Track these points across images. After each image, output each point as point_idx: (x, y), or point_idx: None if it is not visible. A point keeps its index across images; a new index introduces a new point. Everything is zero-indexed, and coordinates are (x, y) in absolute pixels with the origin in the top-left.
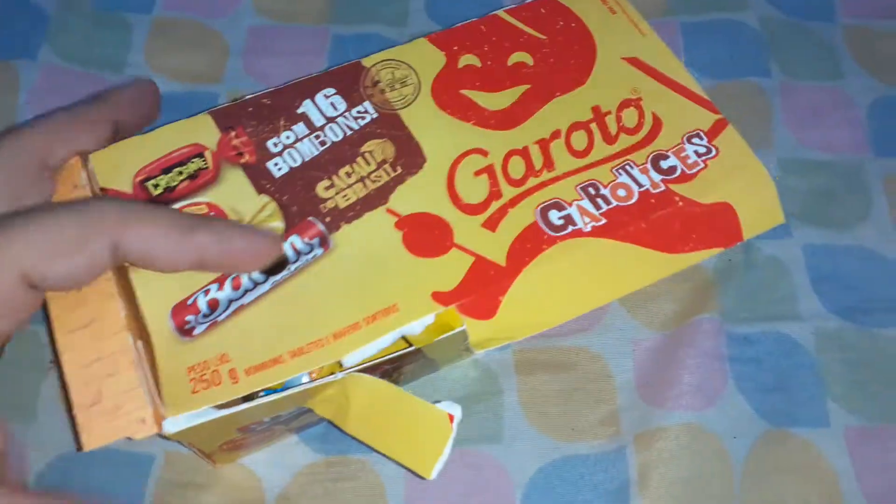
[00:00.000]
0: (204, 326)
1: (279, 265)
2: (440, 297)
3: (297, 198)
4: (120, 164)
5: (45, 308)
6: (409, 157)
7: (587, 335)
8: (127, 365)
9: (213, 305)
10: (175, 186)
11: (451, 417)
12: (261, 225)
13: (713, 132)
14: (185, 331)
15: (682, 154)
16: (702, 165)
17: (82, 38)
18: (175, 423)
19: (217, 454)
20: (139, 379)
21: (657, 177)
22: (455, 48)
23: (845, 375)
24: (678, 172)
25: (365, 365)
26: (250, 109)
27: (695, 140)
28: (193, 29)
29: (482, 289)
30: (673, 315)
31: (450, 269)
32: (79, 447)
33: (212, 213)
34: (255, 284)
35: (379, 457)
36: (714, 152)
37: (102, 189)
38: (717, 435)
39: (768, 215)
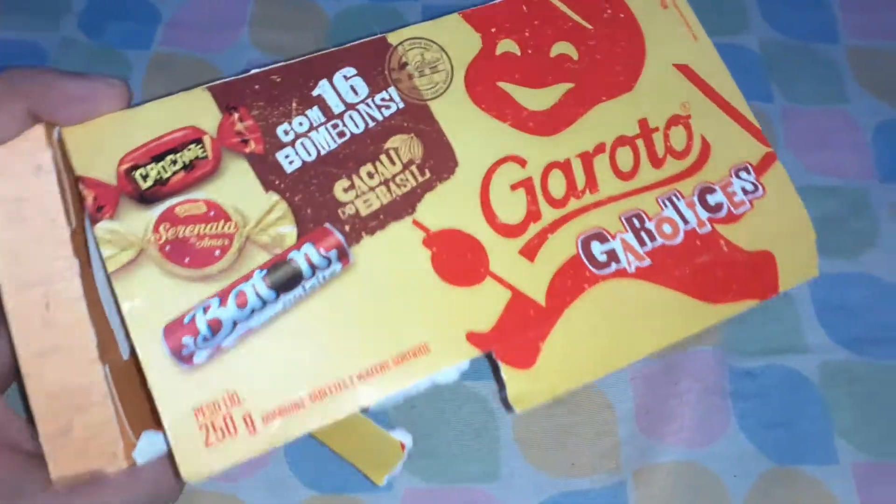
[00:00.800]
0: (206, 353)
1: (292, 280)
2: (476, 339)
3: (312, 199)
4: (100, 146)
5: (5, 323)
6: (440, 160)
7: None
8: (99, 398)
9: (215, 326)
10: (168, 179)
11: (403, 446)
12: (269, 229)
13: (761, 167)
14: (183, 357)
15: (730, 189)
16: (748, 206)
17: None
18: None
19: None
20: (111, 413)
21: (704, 214)
22: (493, 30)
23: (853, 410)
24: (724, 211)
25: None
26: (256, 87)
27: (742, 174)
28: (191, 65)
29: (521, 332)
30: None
31: (485, 304)
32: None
33: (211, 213)
34: (265, 303)
35: (376, 495)
36: (761, 192)
37: (78, 178)
38: (716, 473)
39: (805, 268)
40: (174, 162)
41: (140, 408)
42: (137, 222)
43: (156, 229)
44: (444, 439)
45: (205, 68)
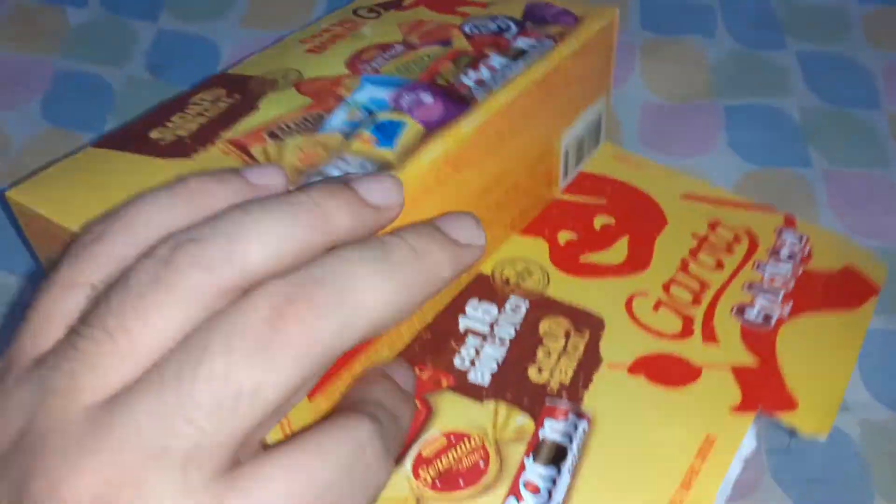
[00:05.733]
0: None
1: (558, 453)
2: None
3: (520, 391)
4: None
5: None
6: (586, 324)
7: None
8: None
9: None
10: None
11: None
12: (508, 425)
13: (788, 224)
14: None
15: (788, 245)
16: (808, 249)
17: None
18: None
19: None
20: None
21: (788, 265)
22: (547, 231)
23: (894, 469)
24: (798, 258)
25: None
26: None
27: (784, 233)
28: None
29: (763, 392)
30: None
31: (719, 390)
32: None
33: (452, 439)
34: (554, 481)
35: None
36: (806, 237)
37: None
38: None
39: (877, 269)
40: None
41: None
42: (396, 485)
43: (416, 476)
44: None
45: None
